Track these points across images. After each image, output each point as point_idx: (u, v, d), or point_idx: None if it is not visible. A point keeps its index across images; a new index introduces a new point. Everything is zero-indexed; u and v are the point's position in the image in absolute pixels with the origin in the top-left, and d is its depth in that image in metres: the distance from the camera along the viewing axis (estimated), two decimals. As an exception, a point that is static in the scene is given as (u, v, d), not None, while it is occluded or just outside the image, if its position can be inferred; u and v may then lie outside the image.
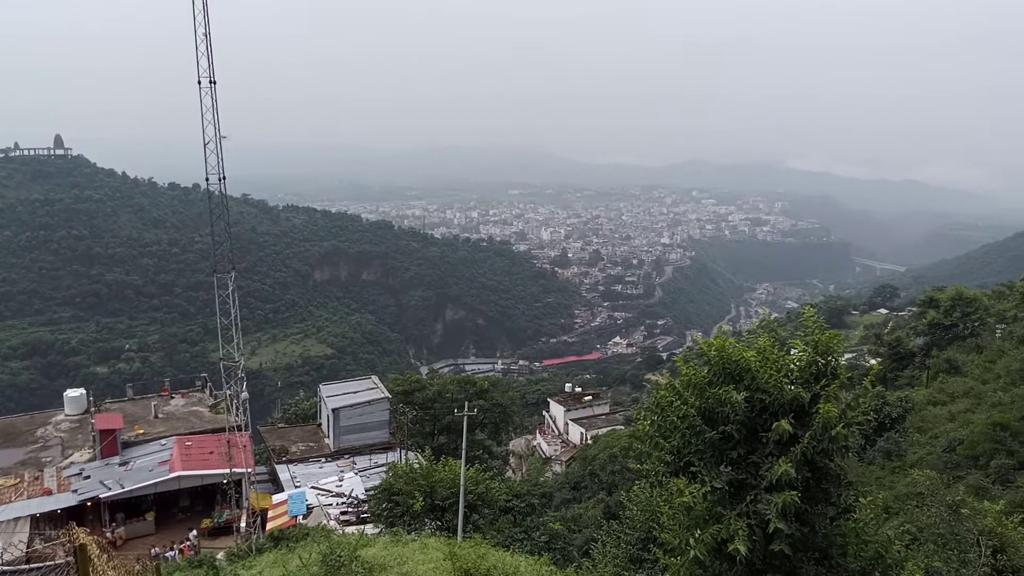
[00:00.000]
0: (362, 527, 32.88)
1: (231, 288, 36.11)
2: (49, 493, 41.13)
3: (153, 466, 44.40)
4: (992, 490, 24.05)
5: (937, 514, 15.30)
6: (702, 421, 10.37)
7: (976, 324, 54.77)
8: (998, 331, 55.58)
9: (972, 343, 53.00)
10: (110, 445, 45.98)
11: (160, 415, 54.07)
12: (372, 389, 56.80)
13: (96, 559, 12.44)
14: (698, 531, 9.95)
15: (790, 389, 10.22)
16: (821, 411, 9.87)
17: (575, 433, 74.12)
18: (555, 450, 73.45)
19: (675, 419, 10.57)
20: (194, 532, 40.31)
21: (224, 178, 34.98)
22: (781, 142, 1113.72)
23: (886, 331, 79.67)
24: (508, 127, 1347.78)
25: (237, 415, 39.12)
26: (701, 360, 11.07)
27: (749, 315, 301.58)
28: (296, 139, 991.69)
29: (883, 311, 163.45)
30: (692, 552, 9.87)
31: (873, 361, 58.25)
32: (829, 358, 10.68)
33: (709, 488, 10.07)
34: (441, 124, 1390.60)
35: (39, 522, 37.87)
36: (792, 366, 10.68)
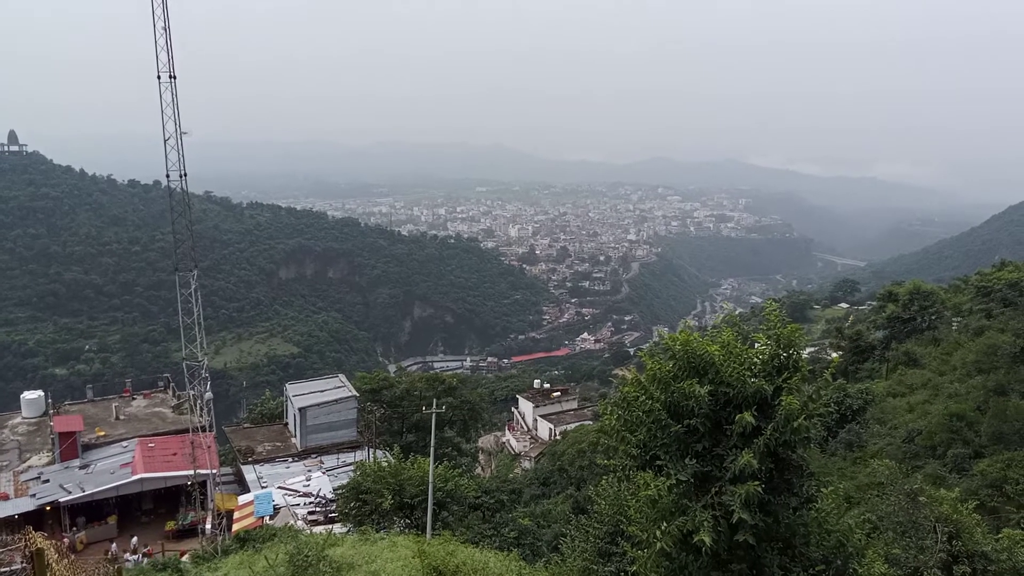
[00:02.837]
0: (330, 527, 32.61)
1: (194, 286, 35.58)
2: (6, 498, 40.13)
3: (115, 469, 43.54)
4: (949, 478, 24.71)
5: (896, 503, 15.62)
6: (667, 415, 10.46)
7: (933, 317, 56.12)
8: (954, 324, 57.09)
9: (930, 336, 54.26)
10: (70, 448, 44.98)
11: (122, 417, 53.03)
12: (339, 388, 56.33)
13: (55, 564, 12.18)
14: (664, 523, 10.05)
15: (753, 382, 10.35)
16: (783, 403, 10.01)
17: (544, 429, 74.40)
18: (524, 446, 73.60)
19: (641, 414, 10.65)
20: (135, 538, 39.51)
21: (185, 175, 34.46)
22: (743, 140, 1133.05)
23: (847, 325, 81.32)
24: (474, 124, 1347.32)
25: (201, 416, 38.54)
26: (666, 355, 11.15)
27: (714, 310, 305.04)
28: (260, 136, 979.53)
29: (844, 305, 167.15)
30: (659, 544, 9.98)
31: (834, 354, 59.44)
32: (791, 351, 10.84)
33: (675, 481, 10.17)
34: (407, 121, 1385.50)
35: (-5, 528, 36.92)
36: (755, 360, 10.81)
